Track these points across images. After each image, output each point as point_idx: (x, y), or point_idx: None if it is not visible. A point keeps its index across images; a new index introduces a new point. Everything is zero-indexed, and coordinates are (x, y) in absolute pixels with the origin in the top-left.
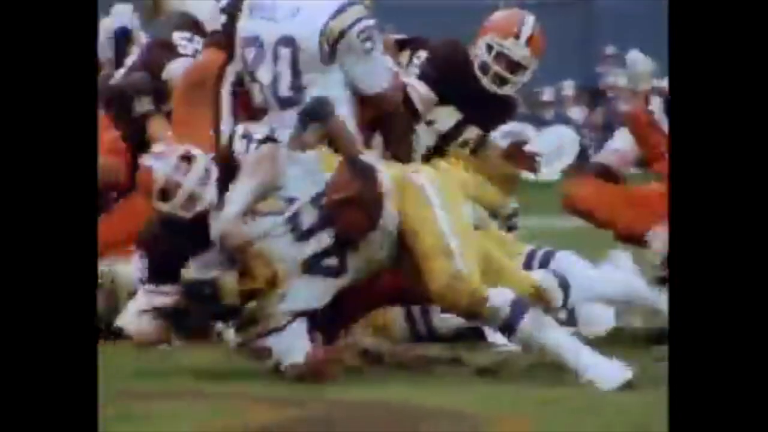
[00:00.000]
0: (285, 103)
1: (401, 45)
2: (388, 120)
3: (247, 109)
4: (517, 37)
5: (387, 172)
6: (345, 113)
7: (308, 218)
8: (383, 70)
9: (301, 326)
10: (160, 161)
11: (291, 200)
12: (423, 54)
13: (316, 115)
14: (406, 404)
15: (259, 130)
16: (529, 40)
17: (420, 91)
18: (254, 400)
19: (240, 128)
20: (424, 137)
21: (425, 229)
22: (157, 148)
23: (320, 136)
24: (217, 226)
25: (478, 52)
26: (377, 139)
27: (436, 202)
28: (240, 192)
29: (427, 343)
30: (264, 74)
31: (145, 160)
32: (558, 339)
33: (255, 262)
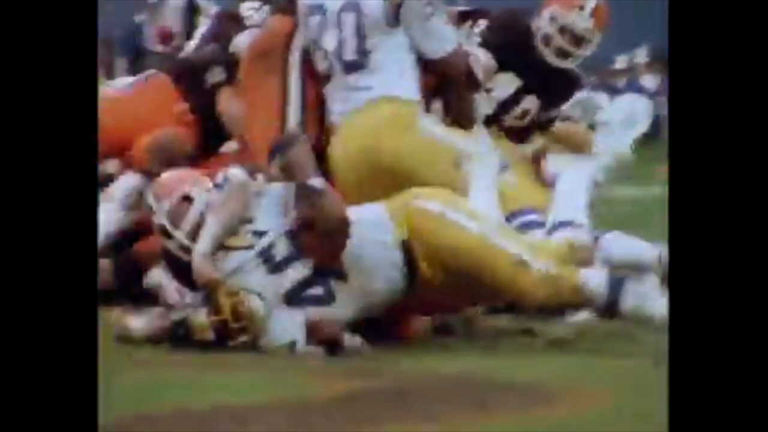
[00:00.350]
0: (350, 68)
1: (463, 16)
2: (449, 86)
3: (313, 76)
4: (581, 8)
5: (384, 205)
6: (409, 76)
7: (282, 250)
8: (447, 35)
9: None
10: (159, 203)
11: (262, 233)
12: (483, 23)
13: (281, 147)
14: (475, 376)
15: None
16: (594, 12)
17: (481, 58)
18: (324, 372)
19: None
20: (483, 105)
21: (467, 244)
22: (157, 187)
23: (283, 166)
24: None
25: (541, 24)
26: (437, 105)
27: (459, 217)
28: (208, 229)
29: (497, 314)
30: (329, 41)
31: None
32: (663, 305)
33: (226, 300)
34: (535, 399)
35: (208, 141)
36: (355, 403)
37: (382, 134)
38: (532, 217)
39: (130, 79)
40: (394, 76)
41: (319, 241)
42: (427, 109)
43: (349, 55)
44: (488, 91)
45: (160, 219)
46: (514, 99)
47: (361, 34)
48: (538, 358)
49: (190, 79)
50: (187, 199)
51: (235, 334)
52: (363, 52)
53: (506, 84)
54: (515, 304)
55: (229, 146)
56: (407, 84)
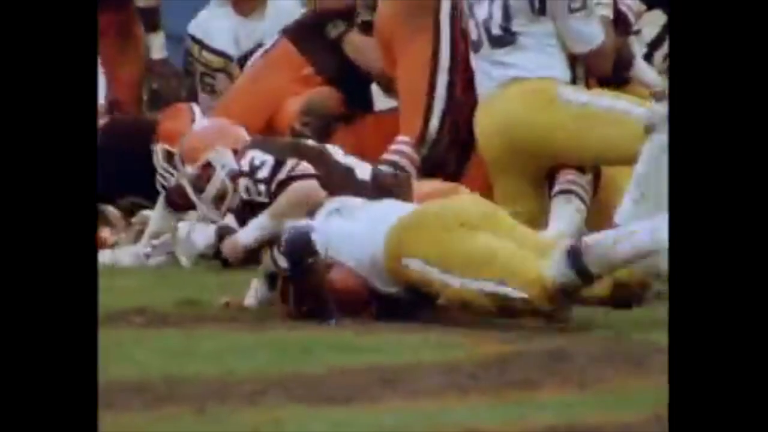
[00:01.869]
0: (496, 42)
1: None
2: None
3: (463, 39)
4: None
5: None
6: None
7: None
8: (590, 33)
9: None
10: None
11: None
12: None
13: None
14: (632, 339)
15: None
16: None
17: (630, 4)
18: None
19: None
20: (635, 47)
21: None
22: (185, 149)
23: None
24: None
25: None
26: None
27: (442, 276)
28: (258, 224)
29: None
30: (480, 11)
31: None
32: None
33: None
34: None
35: (353, 99)
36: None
37: (519, 113)
38: None
39: (257, 53)
40: (542, 58)
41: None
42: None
43: (496, 29)
44: (636, 33)
45: (183, 181)
46: (662, 36)
47: (507, 13)
48: None
49: (311, 40)
50: (209, 166)
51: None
52: (509, 32)
53: (652, 23)
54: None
55: (385, 104)
56: (557, 65)
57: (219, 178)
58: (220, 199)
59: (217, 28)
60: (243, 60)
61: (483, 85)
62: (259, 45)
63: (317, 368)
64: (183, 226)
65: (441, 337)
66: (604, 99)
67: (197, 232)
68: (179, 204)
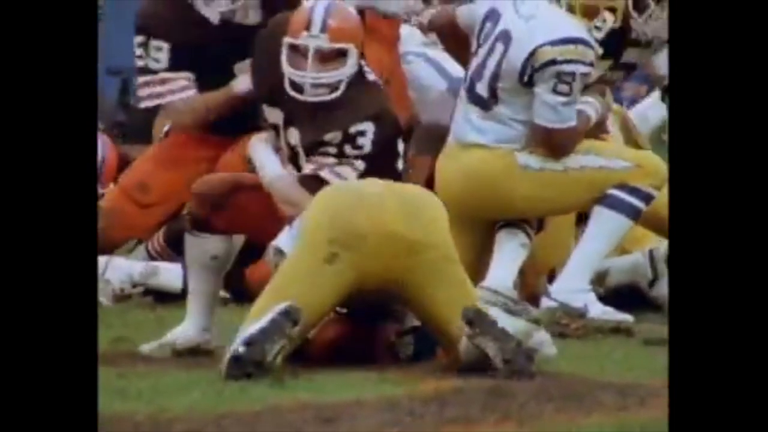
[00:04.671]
0: (475, 101)
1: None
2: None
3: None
4: None
5: None
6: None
7: None
8: (568, 112)
9: None
10: None
11: None
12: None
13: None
14: (573, 376)
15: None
16: None
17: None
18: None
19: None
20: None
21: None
22: None
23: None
24: None
25: None
26: None
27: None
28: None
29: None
30: (477, 60)
31: None
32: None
33: None
34: (632, 399)
35: None
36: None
37: (482, 174)
38: None
39: None
40: (510, 133)
41: None
42: None
43: (482, 89)
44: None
45: None
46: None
47: (497, 75)
48: (634, 357)
49: None
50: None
51: None
52: (492, 96)
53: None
54: None
55: None
56: (521, 139)
57: None
58: None
59: None
60: None
61: (452, 130)
62: None
63: (253, 406)
64: (100, 262)
65: (380, 373)
66: (558, 162)
67: (113, 269)
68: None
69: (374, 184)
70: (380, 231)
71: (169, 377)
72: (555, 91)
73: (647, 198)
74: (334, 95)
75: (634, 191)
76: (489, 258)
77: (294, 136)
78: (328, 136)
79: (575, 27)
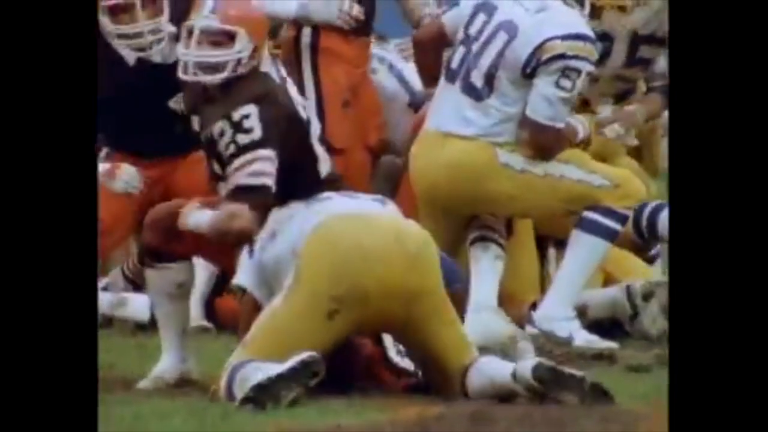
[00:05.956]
0: (468, 90)
1: None
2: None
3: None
4: None
5: None
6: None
7: None
8: (561, 111)
9: None
10: None
11: None
12: None
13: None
14: (556, 402)
15: None
16: None
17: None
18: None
19: None
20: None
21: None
22: None
23: None
24: None
25: None
26: None
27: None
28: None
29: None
30: (471, 49)
31: None
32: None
33: None
34: (615, 426)
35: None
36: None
37: (462, 168)
38: None
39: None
40: (496, 127)
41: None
42: None
43: (477, 79)
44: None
45: None
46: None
47: (497, 64)
48: (617, 383)
49: None
50: None
51: None
52: (488, 85)
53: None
54: None
55: None
56: (505, 133)
57: None
58: None
59: None
60: None
61: (430, 117)
62: None
63: None
64: None
65: (363, 399)
66: (538, 164)
67: None
68: None
69: (377, 231)
70: (384, 288)
71: (150, 404)
72: (557, 85)
73: (623, 219)
74: (217, 76)
75: (608, 213)
76: (462, 248)
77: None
78: (217, 128)
79: (585, 24)
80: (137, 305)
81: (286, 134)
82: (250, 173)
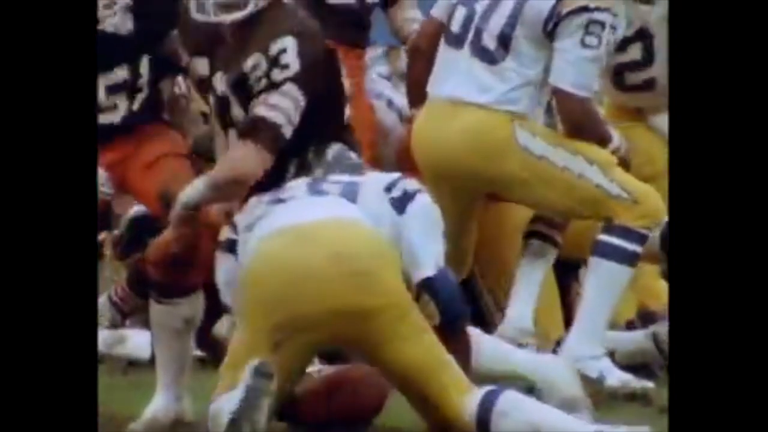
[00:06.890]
0: (480, 54)
1: None
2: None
3: None
4: None
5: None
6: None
7: None
8: (589, 78)
9: None
10: None
11: None
12: None
13: None
14: None
15: None
16: None
17: None
18: None
19: None
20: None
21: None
22: None
23: None
24: None
25: None
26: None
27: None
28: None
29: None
30: (477, 9)
31: None
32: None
33: None
34: None
35: None
36: None
37: (472, 152)
38: None
39: None
40: (512, 93)
41: None
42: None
43: (489, 41)
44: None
45: None
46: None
47: (514, 23)
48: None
49: None
50: None
51: None
52: (503, 46)
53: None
54: None
55: None
56: (523, 100)
57: None
58: None
59: None
60: None
61: (435, 85)
62: None
63: None
64: None
65: None
66: (560, 154)
67: None
68: None
69: (313, 252)
70: (325, 310)
71: None
72: (583, 44)
73: (641, 239)
74: (242, 13)
75: (625, 233)
76: (469, 227)
77: (221, 81)
78: (250, 63)
79: None
80: (137, 342)
81: (324, 71)
82: (268, 105)
